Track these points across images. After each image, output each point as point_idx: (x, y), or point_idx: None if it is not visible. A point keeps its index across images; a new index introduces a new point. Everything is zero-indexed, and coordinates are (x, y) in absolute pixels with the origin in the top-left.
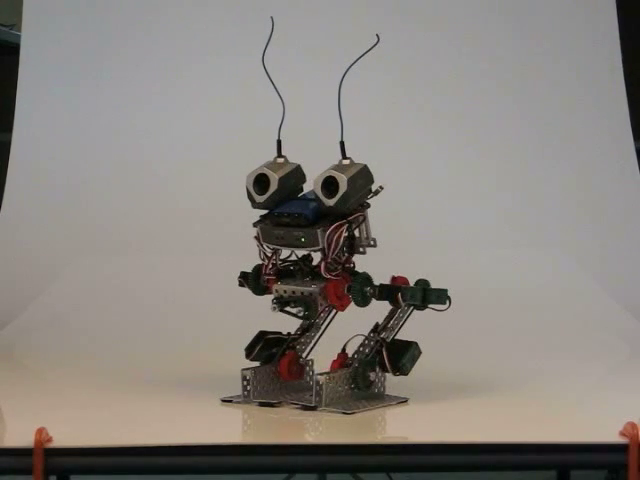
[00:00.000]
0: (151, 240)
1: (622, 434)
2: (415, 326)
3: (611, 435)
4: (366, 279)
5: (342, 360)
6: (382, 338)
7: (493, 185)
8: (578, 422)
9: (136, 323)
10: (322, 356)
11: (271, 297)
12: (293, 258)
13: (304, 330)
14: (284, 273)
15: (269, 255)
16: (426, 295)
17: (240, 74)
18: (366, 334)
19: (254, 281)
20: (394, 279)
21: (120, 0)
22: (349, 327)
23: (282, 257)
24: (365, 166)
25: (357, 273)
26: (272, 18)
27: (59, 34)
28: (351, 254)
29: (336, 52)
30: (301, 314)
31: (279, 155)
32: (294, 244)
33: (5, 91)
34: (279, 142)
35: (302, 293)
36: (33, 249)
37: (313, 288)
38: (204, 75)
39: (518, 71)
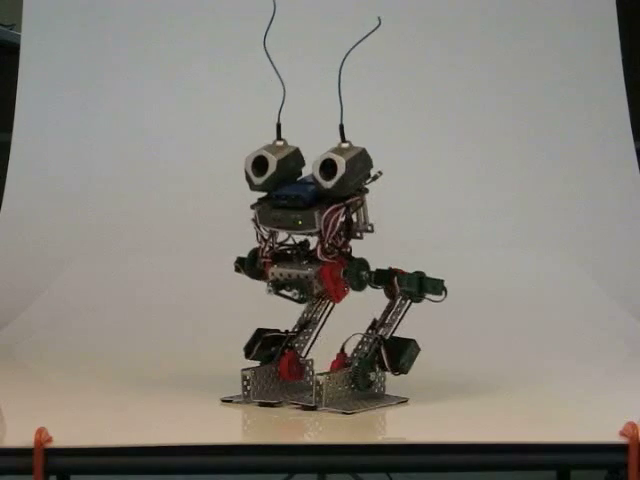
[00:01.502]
0: (151, 240)
1: (622, 434)
2: (415, 326)
3: (611, 435)
4: (362, 263)
5: (341, 360)
6: (380, 336)
7: (493, 185)
8: (578, 422)
9: (136, 323)
10: (322, 356)
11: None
12: (290, 243)
13: (301, 327)
14: (280, 257)
15: (266, 238)
16: (422, 283)
17: (241, 74)
18: (364, 332)
19: (250, 265)
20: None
21: (120, 0)
22: (348, 327)
23: (279, 241)
24: (364, 150)
25: (354, 258)
26: (274, 1)
27: (59, 34)
28: (348, 239)
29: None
30: (296, 297)
31: (278, 138)
32: (291, 226)
33: (5, 91)
34: (279, 125)
35: (298, 276)
36: (33, 249)
37: (309, 271)
38: (205, 74)
39: (518, 71)
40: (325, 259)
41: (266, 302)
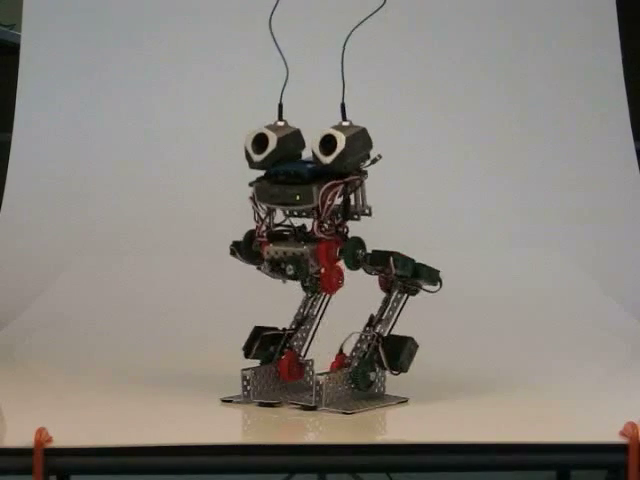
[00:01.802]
0: (151, 240)
1: (622, 434)
2: (415, 326)
3: (611, 435)
4: (358, 242)
5: (341, 360)
6: (378, 334)
7: (493, 185)
8: (578, 422)
9: (136, 323)
10: (322, 356)
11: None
12: (288, 227)
13: (299, 324)
14: (277, 237)
15: (263, 217)
16: (418, 269)
17: (242, 75)
18: (361, 330)
19: (246, 246)
20: None
21: (120, 0)
22: (347, 325)
23: (276, 223)
24: (364, 129)
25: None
26: None
27: (59, 34)
28: (345, 219)
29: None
30: (291, 272)
31: (280, 119)
32: (289, 202)
33: (5, 91)
34: (280, 105)
35: (293, 253)
36: (33, 249)
37: (305, 249)
38: (205, 74)
39: (518, 71)
40: (321, 235)
41: (267, 302)
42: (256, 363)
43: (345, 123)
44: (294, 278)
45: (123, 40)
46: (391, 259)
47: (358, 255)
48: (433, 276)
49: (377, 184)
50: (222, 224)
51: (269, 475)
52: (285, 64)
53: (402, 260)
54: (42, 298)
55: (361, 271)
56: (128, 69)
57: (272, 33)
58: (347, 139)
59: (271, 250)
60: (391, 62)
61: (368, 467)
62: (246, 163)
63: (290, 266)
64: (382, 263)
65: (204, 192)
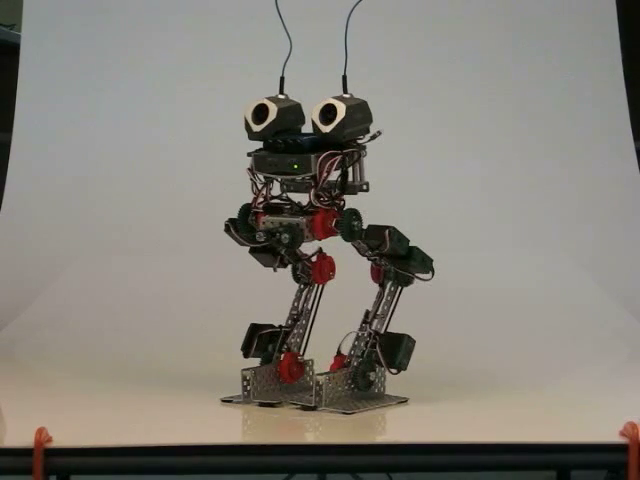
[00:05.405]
0: (151, 240)
1: (622, 434)
2: (415, 326)
3: (611, 435)
4: (354, 213)
5: (340, 361)
6: (375, 331)
7: (493, 185)
8: (578, 422)
9: (136, 323)
10: (322, 356)
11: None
12: (284, 201)
13: (294, 320)
14: (273, 210)
15: (260, 188)
16: (411, 250)
17: (243, 78)
18: (358, 328)
19: (242, 219)
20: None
21: (120, 0)
22: (345, 324)
23: (273, 195)
24: (365, 102)
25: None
26: None
27: (59, 34)
28: (342, 191)
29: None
30: (286, 240)
31: (281, 92)
32: (287, 170)
33: (5, 91)
34: (282, 79)
35: (289, 223)
36: (33, 249)
37: (300, 218)
38: (206, 74)
39: (518, 71)
40: (317, 203)
41: (267, 302)
42: (256, 363)
43: (346, 95)
44: (289, 246)
45: (123, 40)
46: (387, 232)
47: (354, 226)
48: (426, 262)
49: (379, 187)
50: (222, 224)
51: (269, 475)
52: (289, 38)
53: (398, 235)
54: (42, 298)
55: (356, 267)
56: (128, 69)
57: (278, 8)
58: (347, 108)
59: (267, 220)
60: (391, 60)
61: (368, 467)
62: (247, 162)
63: (285, 235)
64: (378, 237)
65: (204, 191)
